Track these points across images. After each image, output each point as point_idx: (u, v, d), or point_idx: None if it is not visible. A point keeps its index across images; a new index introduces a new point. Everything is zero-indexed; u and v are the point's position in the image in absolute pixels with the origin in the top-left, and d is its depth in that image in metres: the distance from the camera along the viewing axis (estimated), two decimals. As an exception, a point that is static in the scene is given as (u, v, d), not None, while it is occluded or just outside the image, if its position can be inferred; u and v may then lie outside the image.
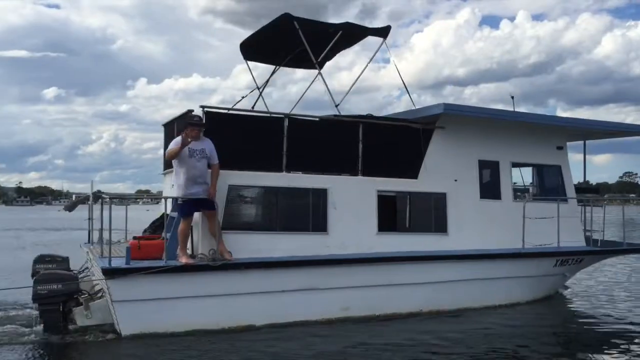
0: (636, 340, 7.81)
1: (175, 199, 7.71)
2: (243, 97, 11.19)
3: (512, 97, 11.72)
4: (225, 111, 8.37)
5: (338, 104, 9.20)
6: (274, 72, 11.55)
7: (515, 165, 10.64)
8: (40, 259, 9.15)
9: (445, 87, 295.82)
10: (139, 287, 6.94)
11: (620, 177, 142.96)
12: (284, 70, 11.93)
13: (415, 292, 8.92)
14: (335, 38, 9.35)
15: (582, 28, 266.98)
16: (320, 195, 8.54)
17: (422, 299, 9.00)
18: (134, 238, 7.90)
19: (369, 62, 11.10)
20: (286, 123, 8.43)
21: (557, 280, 10.86)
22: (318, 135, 8.76)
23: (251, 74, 11.28)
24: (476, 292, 9.50)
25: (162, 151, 10.42)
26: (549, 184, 11.20)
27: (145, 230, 9.43)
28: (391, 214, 9.21)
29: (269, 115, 8.82)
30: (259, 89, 11.26)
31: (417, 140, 9.47)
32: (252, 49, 10.70)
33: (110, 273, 6.85)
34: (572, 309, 10.31)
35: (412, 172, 9.41)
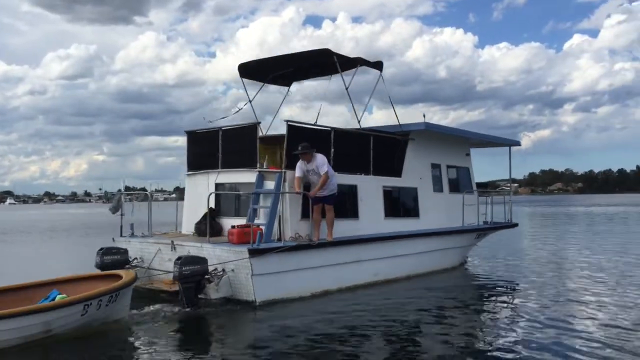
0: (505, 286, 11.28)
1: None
2: (240, 109, 12.53)
3: (424, 115, 14.77)
4: (304, 125, 9.90)
5: (360, 120, 11.24)
6: (260, 88, 13.03)
7: (449, 167, 13.85)
8: (107, 251, 9.52)
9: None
10: (271, 263, 8.27)
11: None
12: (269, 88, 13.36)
13: (408, 260, 11.39)
14: (355, 71, 11.46)
15: (396, 32, 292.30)
16: (353, 189, 10.55)
17: (413, 266, 11.53)
18: (232, 227, 8.97)
19: (370, 96, 12.73)
20: (332, 135, 10.24)
21: (471, 248, 14.39)
22: (349, 143, 10.72)
23: (245, 89, 12.57)
24: (439, 259, 12.42)
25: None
26: (462, 181, 14.65)
27: (199, 222, 10.31)
28: (390, 204, 11.58)
29: (322, 127, 10.42)
30: (250, 101, 12.59)
31: (402, 148, 12.00)
32: (250, 70, 12.12)
33: (254, 253, 8.07)
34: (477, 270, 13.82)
35: (398, 172, 11.90)
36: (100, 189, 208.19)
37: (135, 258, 9.95)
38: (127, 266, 9.54)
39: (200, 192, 10.77)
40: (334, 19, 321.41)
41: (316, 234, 9.26)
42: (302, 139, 9.35)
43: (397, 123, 12.15)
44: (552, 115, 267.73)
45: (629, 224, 30.91)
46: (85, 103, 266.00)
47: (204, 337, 7.15)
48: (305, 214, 9.43)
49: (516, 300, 9.33)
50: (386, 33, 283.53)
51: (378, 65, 12.02)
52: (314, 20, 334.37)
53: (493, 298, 9.81)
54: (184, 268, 7.87)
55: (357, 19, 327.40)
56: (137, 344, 6.81)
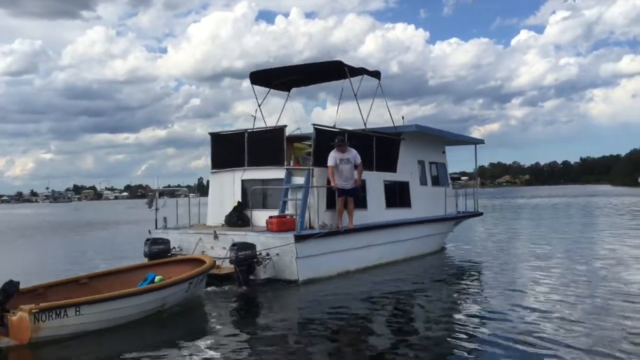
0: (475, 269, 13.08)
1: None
2: (254, 116, 13.56)
3: (402, 117, 16.28)
4: (328, 129, 11.11)
5: (365, 122, 12.57)
6: (267, 93, 14.11)
7: (430, 163, 15.42)
8: (153, 242, 10.43)
9: (223, 79, 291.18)
10: (310, 247, 9.50)
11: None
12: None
13: (406, 245, 12.87)
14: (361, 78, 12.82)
15: (348, 28, 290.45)
16: (363, 184, 11.86)
17: (410, 250, 13.00)
18: (270, 217, 10.07)
19: (373, 101, 13.76)
20: (346, 136, 11.49)
21: (448, 234, 16.05)
22: (358, 143, 11.99)
23: (255, 94, 13.61)
24: (429, 243, 13.98)
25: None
26: (441, 175, 16.28)
27: (230, 214, 11.32)
28: (389, 196, 12.98)
29: (339, 129, 11.63)
30: (259, 106, 13.67)
31: (396, 147, 13.42)
32: (261, 78, 13.23)
33: (299, 238, 9.27)
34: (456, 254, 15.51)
35: (394, 168, 13.32)
36: (47, 188, 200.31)
37: (174, 247, 10.85)
38: (169, 254, 10.46)
39: (226, 188, 11.78)
40: (286, 15, 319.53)
41: (340, 222, 10.51)
42: (326, 139, 10.56)
43: (392, 125, 13.56)
44: (500, 110, 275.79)
45: (569, 212, 33.97)
46: (31, 100, 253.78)
47: (262, 309, 8.31)
48: (330, 205, 10.66)
49: (488, 275, 10.92)
50: (339, 29, 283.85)
51: (377, 75, 13.37)
52: (266, 16, 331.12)
53: (475, 273, 11.43)
54: (239, 253, 8.95)
55: (310, 15, 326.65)
56: (213, 314, 7.93)
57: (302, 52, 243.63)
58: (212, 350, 5.98)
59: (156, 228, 11.56)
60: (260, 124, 13.04)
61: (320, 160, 10.57)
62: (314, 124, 10.69)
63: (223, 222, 11.52)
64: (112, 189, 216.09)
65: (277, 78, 13.47)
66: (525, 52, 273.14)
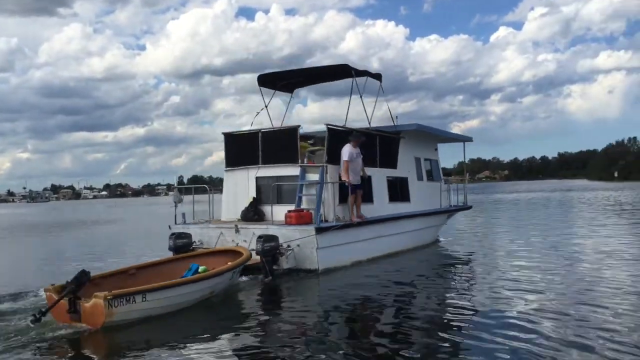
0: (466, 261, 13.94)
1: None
2: (257, 113, 14.10)
3: (397, 117, 16.88)
4: (340, 128, 11.73)
5: (370, 121, 13.23)
6: (272, 95, 14.67)
7: (425, 159, 16.19)
8: (178, 236, 10.95)
9: (203, 76, 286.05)
10: (328, 239, 10.15)
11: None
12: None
13: (409, 236, 13.61)
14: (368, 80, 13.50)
15: (329, 24, 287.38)
16: (369, 180, 12.53)
17: (411, 241, 13.75)
18: (289, 211, 10.65)
19: (376, 101, 14.29)
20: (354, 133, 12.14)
21: (442, 226, 16.87)
22: (366, 142, 12.66)
23: (262, 97, 14.16)
24: (427, 235, 14.76)
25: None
26: (434, 171, 17.08)
27: (247, 209, 11.85)
28: (391, 191, 13.69)
29: (349, 129, 12.21)
30: (266, 107, 14.22)
31: (396, 144, 14.14)
32: (268, 80, 13.82)
33: (319, 230, 9.95)
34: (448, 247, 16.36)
35: (395, 164, 14.03)
36: (24, 188, 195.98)
37: (194, 241, 11.35)
38: (191, 248, 10.98)
39: (240, 185, 12.33)
40: (267, 11, 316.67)
41: (352, 215, 11.18)
42: (339, 139, 11.20)
43: (393, 124, 14.27)
44: (480, 106, 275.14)
45: (547, 207, 35.34)
46: (6, 98, 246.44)
47: (289, 296, 8.96)
48: (342, 200, 11.31)
49: (479, 263, 11.77)
50: (319, 25, 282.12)
51: (378, 77, 14.05)
52: (246, 12, 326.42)
53: (472, 261, 12.25)
54: (265, 244, 9.54)
55: (290, 11, 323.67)
56: (248, 300, 8.57)
57: (282, 49, 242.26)
58: (255, 330, 6.64)
59: (175, 223, 12.03)
60: (267, 124, 13.60)
61: (332, 158, 11.20)
62: (327, 124, 11.31)
63: (238, 217, 12.05)
64: (90, 188, 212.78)
65: (282, 80, 14.05)
66: (504, 48, 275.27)
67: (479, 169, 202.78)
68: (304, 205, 11.17)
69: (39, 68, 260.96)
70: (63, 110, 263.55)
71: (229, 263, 8.33)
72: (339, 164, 11.27)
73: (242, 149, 12.53)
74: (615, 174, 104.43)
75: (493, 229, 20.01)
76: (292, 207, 10.95)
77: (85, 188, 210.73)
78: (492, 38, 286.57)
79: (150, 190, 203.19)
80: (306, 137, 13.06)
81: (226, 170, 12.91)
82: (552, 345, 5.50)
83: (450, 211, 16.63)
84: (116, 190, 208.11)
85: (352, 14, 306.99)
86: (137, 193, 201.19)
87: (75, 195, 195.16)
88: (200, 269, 8.26)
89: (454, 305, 7.74)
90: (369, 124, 13.33)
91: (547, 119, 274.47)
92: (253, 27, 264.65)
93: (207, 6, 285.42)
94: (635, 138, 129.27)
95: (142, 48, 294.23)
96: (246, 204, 11.99)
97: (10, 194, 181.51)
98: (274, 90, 14.49)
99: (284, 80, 14.02)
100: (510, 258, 12.13)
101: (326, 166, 11.16)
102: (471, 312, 7.18)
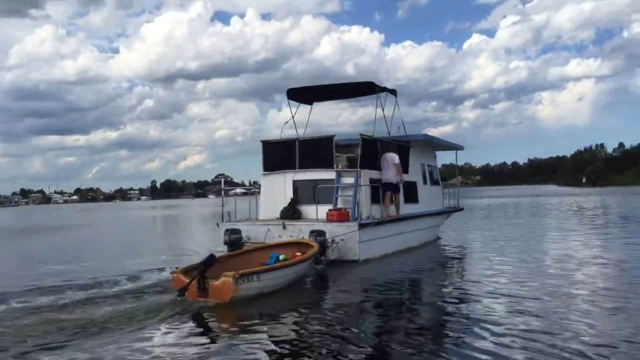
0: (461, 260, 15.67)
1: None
2: (286, 123, 15.44)
3: (399, 127, 18.54)
4: (372, 138, 13.21)
5: (389, 132, 14.73)
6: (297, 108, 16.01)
7: (427, 165, 17.83)
8: (232, 232, 12.22)
9: (177, 80, 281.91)
10: (367, 233, 11.59)
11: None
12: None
13: (421, 233, 15.18)
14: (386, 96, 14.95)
15: (305, 29, 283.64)
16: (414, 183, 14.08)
17: (423, 237, 15.33)
18: (330, 210, 12.01)
19: (392, 114, 15.70)
20: (379, 144, 13.63)
21: (441, 226, 18.54)
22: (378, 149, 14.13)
23: (290, 108, 15.49)
24: (433, 232, 16.38)
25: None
26: (434, 176, 18.75)
27: (286, 209, 13.13)
28: (405, 193, 15.22)
29: (378, 138, 13.70)
30: (292, 117, 15.58)
31: (407, 152, 15.70)
32: (295, 93, 15.19)
33: (361, 226, 11.40)
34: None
35: (407, 169, 15.58)
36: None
37: (244, 237, 12.56)
38: (241, 243, 12.20)
39: (277, 187, 13.62)
40: (242, 16, 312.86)
41: (386, 214, 12.64)
42: (371, 147, 12.67)
43: (405, 133, 15.84)
44: (453, 112, 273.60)
45: (517, 210, 37.68)
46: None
47: (337, 281, 10.31)
48: (373, 200, 12.77)
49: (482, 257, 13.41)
50: (295, 30, 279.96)
51: (394, 92, 15.59)
52: (222, 16, 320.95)
53: (481, 255, 13.89)
54: (317, 238, 10.88)
55: (266, 16, 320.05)
56: (313, 284, 9.95)
57: (258, 54, 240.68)
58: (326, 305, 8.12)
59: (223, 221, 13.21)
60: (291, 132, 15.09)
61: (365, 163, 12.67)
62: (361, 134, 12.79)
63: (277, 216, 13.32)
64: (61, 193, 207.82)
65: (309, 93, 15.39)
66: (477, 55, 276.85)
67: (451, 175, 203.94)
68: (340, 205, 12.56)
69: (9, 70, 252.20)
70: (34, 113, 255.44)
71: (309, 251, 9.66)
72: (372, 168, 12.73)
73: (279, 155, 13.81)
74: (583, 180, 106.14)
75: (481, 229, 21.88)
76: (327, 207, 12.32)
77: (56, 192, 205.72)
78: (466, 45, 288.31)
79: (122, 194, 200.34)
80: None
81: (263, 175, 14.18)
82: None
83: (449, 212, 18.32)
84: (87, 195, 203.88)
85: (327, 19, 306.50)
86: (108, 198, 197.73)
87: (45, 199, 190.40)
88: (281, 257, 9.52)
89: (476, 293, 8.85)
90: (389, 134, 14.84)
91: (518, 125, 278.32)
92: (229, 32, 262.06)
93: (182, 10, 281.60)
94: (602, 145, 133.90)
95: (116, 51, 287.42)
96: (284, 204, 13.29)
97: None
98: (298, 103, 15.86)
99: (310, 93, 15.37)
100: (509, 250, 13.87)
101: (360, 171, 12.59)
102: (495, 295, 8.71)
